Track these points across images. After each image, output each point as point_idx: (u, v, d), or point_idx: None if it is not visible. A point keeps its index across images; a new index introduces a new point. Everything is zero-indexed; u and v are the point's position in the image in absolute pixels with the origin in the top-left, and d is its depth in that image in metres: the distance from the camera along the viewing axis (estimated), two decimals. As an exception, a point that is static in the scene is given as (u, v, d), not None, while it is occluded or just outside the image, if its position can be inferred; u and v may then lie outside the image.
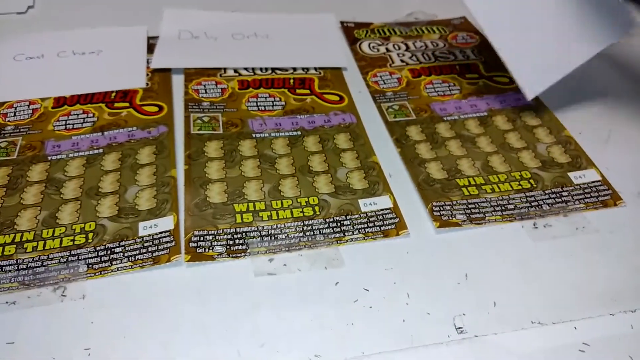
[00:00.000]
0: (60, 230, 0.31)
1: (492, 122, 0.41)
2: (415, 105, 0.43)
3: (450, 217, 0.33)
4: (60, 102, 0.41)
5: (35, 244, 0.30)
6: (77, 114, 0.40)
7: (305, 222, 0.32)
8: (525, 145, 0.39)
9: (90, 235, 0.31)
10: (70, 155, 0.36)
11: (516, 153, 0.38)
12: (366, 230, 0.32)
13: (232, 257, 0.30)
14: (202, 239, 0.31)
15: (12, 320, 0.27)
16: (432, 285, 0.29)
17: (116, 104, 0.41)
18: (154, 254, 0.30)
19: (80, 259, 0.30)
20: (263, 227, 0.32)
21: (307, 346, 0.26)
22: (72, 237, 0.31)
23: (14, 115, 0.40)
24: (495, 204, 0.34)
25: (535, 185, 0.36)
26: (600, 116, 0.43)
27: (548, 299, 0.29)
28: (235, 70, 0.45)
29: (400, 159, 0.38)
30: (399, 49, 0.50)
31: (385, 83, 0.45)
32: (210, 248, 0.30)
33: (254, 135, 0.39)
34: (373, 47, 0.50)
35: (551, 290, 0.29)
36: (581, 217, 0.34)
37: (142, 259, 0.30)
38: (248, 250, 0.30)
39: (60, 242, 0.30)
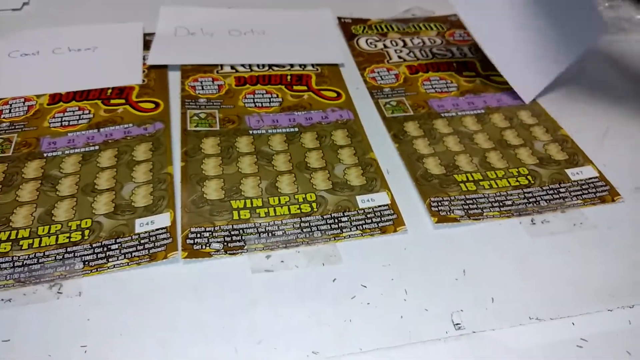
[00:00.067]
0: (56, 227, 0.31)
1: (489, 120, 0.41)
2: (413, 102, 0.43)
3: (448, 213, 0.33)
4: (55, 98, 0.41)
5: (30, 241, 0.30)
6: (73, 111, 0.40)
7: (303, 219, 0.32)
8: (522, 142, 0.39)
9: (87, 232, 0.31)
10: (66, 152, 0.36)
11: (514, 150, 0.38)
12: (364, 226, 0.32)
13: (229, 253, 0.30)
14: (199, 235, 0.31)
15: (8, 317, 0.27)
16: (430, 281, 0.29)
17: (112, 101, 0.41)
18: (151, 251, 0.30)
19: (76, 256, 0.29)
20: (260, 223, 0.32)
21: (304, 343, 0.26)
22: (68, 234, 0.30)
23: (9, 112, 0.39)
24: (493, 199, 0.34)
25: (532, 182, 0.36)
26: (597, 113, 0.43)
27: (546, 295, 0.29)
28: (232, 67, 0.45)
29: (398, 154, 0.38)
30: (397, 45, 0.50)
31: (382, 79, 0.45)
32: (207, 245, 0.30)
33: (251, 132, 0.38)
34: (370, 43, 0.50)
35: (549, 286, 0.29)
36: (579, 213, 0.34)
37: (138, 256, 0.29)
38: (245, 247, 0.30)
39: (56, 239, 0.30)
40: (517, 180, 0.36)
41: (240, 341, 0.26)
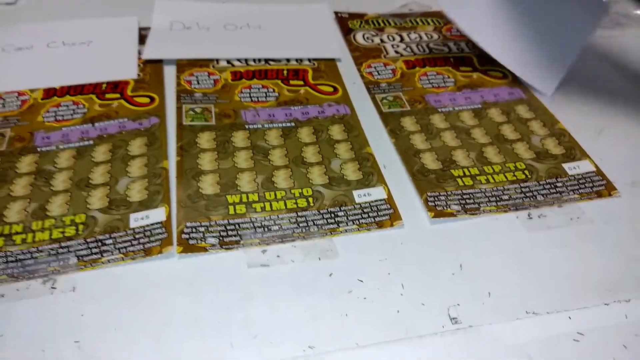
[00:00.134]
0: (50, 222, 0.31)
1: (486, 115, 0.41)
2: (410, 97, 0.43)
3: (445, 208, 0.33)
4: (49, 93, 0.40)
5: (24, 236, 0.30)
6: (67, 105, 0.39)
7: (299, 214, 0.32)
8: (519, 137, 0.39)
9: (81, 227, 0.30)
10: (60, 146, 0.36)
11: (510, 144, 0.38)
12: (360, 221, 0.32)
13: (225, 248, 0.30)
14: (194, 230, 0.31)
15: (1, 313, 0.26)
16: (427, 276, 0.29)
17: (107, 95, 0.40)
18: (146, 246, 0.29)
19: (70, 251, 0.29)
20: (256, 218, 0.32)
21: (300, 337, 0.26)
22: (62, 229, 0.30)
23: (3, 106, 0.39)
24: (490, 194, 0.34)
25: (529, 176, 0.36)
26: (594, 108, 0.43)
27: (543, 289, 0.29)
28: (228, 61, 0.45)
29: (395, 149, 0.37)
30: (394, 40, 0.50)
31: (379, 74, 0.45)
32: (203, 240, 0.30)
33: (247, 127, 0.38)
34: (367, 38, 0.50)
35: (546, 281, 0.29)
36: (576, 208, 0.34)
37: (133, 251, 0.29)
38: (241, 242, 0.30)
39: (50, 234, 0.30)
40: (514, 175, 0.36)
41: (236, 335, 0.26)
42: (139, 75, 0.43)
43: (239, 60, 0.45)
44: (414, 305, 0.28)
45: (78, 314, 0.27)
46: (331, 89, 0.43)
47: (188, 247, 0.30)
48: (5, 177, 0.33)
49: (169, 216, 0.31)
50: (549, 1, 0.44)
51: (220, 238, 0.30)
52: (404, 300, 0.28)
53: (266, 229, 0.31)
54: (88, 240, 0.30)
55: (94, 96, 0.40)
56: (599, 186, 0.35)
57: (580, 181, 0.35)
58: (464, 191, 0.34)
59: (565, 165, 0.37)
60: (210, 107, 0.40)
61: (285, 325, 0.27)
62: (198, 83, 0.42)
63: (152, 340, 0.26)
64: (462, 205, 0.33)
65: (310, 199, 0.33)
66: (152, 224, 0.31)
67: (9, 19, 0.49)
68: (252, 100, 0.41)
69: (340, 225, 0.31)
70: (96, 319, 0.26)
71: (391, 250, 0.30)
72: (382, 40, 0.49)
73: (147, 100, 0.40)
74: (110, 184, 0.33)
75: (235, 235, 0.30)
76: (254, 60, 0.45)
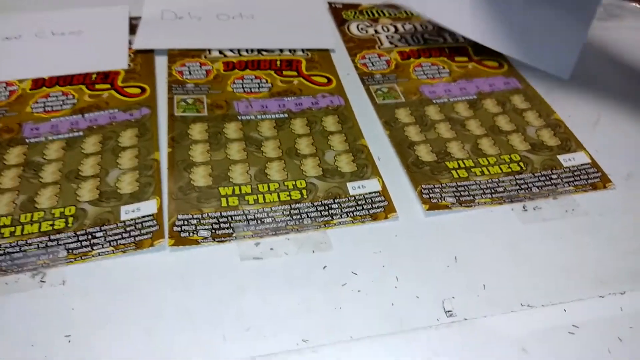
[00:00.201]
0: (39, 214, 0.30)
1: (481, 106, 0.41)
2: (405, 88, 0.42)
3: (440, 200, 0.33)
4: (38, 83, 0.40)
5: (12, 229, 0.29)
6: (56, 96, 0.38)
7: (293, 206, 0.32)
8: (514, 128, 0.39)
9: (71, 219, 0.30)
10: (49, 137, 0.35)
11: (506, 136, 0.38)
12: (354, 213, 0.31)
13: (218, 241, 0.29)
14: (186, 223, 0.30)
15: (-11, 307, 0.26)
16: (421, 268, 0.29)
17: (97, 86, 0.40)
18: (137, 239, 0.29)
19: (60, 244, 0.29)
20: (249, 210, 0.31)
21: (294, 330, 0.26)
22: (51, 222, 0.30)
23: (-10, 97, 0.38)
24: (485, 186, 0.34)
25: (524, 168, 0.35)
26: (590, 99, 0.43)
27: (538, 282, 0.29)
28: (220, 52, 0.44)
29: (389, 141, 0.37)
30: (388, 30, 0.49)
31: (374, 65, 0.45)
32: (195, 232, 0.30)
33: (239, 118, 0.38)
34: (361, 28, 0.49)
35: (541, 273, 0.29)
36: (571, 200, 0.33)
37: (124, 244, 0.29)
38: (234, 234, 0.30)
39: (39, 227, 0.29)
40: (509, 167, 0.35)
41: (228, 328, 0.26)
42: (129, 65, 0.42)
43: (231, 50, 0.45)
44: (408, 298, 0.27)
45: (68, 307, 0.26)
46: (325, 80, 0.42)
47: (180, 239, 0.29)
48: (-8, 168, 0.33)
49: (160, 208, 0.31)
50: None
51: (213, 231, 0.30)
52: (399, 293, 0.28)
53: (259, 222, 0.31)
54: (78, 233, 0.29)
55: (83, 87, 0.39)
56: (594, 178, 0.35)
57: (576, 173, 0.35)
58: (459, 183, 0.34)
59: (561, 157, 0.36)
60: (202, 98, 0.39)
61: (278, 318, 0.26)
62: (190, 73, 0.42)
63: (144, 334, 0.25)
64: (456, 198, 0.33)
65: (304, 191, 0.33)
66: (143, 217, 0.30)
67: (-3, 7, 0.48)
68: (244, 91, 0.40)
69: (334, 217, 0.31)
70: (87, 312, 0.26)
71: (385, 243, 0.30)
72: (376, 31, 0.49)
73: (137, 90, 0.40)
74: (100, 175, 0.33)
75: (227, 228, 0.30)
76: (247, 51, 0.45)
